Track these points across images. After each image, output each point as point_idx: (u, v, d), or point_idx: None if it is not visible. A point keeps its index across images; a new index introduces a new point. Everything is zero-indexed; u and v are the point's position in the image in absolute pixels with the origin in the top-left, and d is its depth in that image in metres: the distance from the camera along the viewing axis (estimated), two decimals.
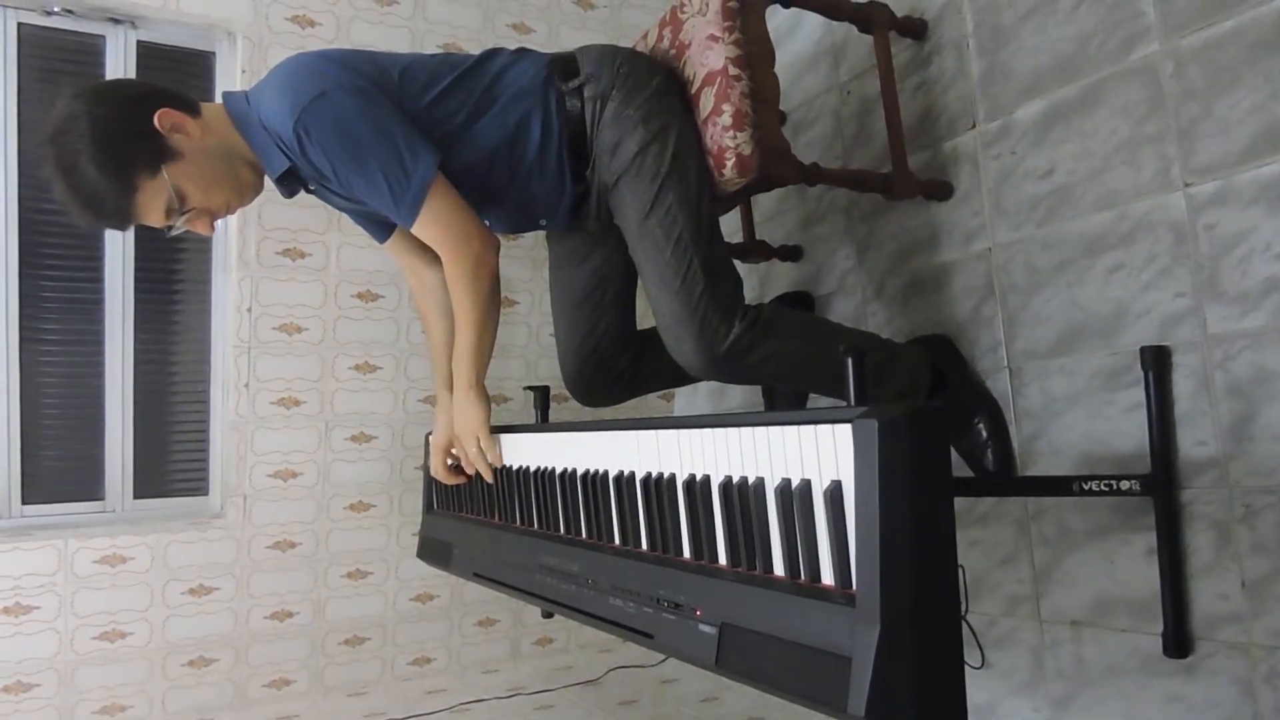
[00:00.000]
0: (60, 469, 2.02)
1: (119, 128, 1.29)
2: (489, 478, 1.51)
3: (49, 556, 1.89)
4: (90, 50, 2.05)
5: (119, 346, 2.05)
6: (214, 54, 2.16)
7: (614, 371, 1.72)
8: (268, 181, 1.49)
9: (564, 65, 1.50)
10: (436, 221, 1.39)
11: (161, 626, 1.98)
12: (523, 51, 1.53)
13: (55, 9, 1.99)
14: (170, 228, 1.40)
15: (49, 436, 2.00)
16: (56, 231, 2.00)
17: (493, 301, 1.47)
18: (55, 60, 2.03)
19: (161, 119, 1.32)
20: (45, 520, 1.97)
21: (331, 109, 1.31)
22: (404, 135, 1.36)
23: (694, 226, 1.43)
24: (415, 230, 1.40)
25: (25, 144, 1.98)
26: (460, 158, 1.43)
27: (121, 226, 1.40)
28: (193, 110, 1.38)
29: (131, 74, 2.06)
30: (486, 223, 1.53)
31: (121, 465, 2.05)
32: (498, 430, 1.57)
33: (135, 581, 1.96)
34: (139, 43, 2.08)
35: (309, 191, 1.52)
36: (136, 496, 2.07)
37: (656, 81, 1.50)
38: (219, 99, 1.47)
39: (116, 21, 2.05)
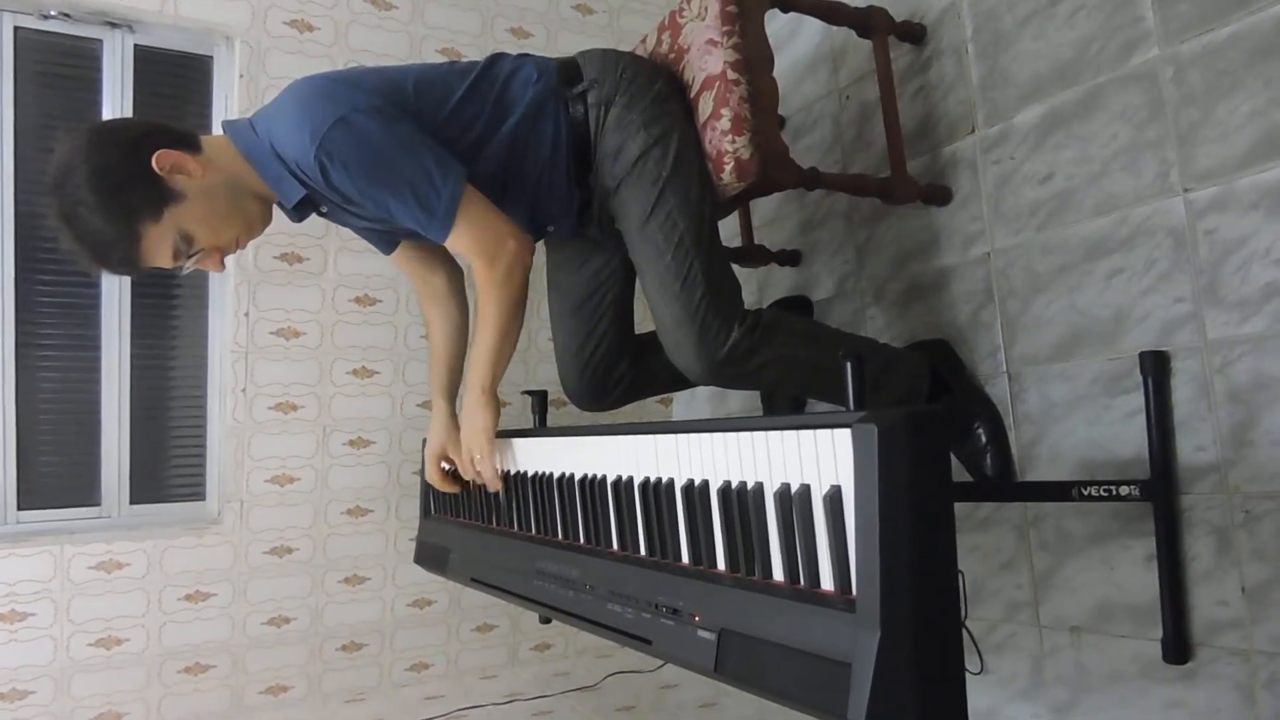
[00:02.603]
0: (56, 474, 2.01)
1: (117, 175, 1.25)
2: (492, 487, 1.47)
3: (45, 562, 1.89)
4: (87, 54, 2.05)
5: (116, 351, 2.04)
6: (211, 58, 2.16)
7: (613, 377, 1.72)
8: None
9: (568, 71, 1.50)
10: (470, 230, 1.35)
11: (158, 633, 1.98)
12: (525, 57, 1.52)
13: (52, 13, 1.99)
14: (181, 269, 1.37)
15: (45, 441, 2.00)
16: (53, 236, 1.99)
17: (520, 305, 1.43)
18: (52, 64, 2.03)
19: (160, 161, 1.27)
20: (41, 526, 1.96)
21: (352, 133, 1.28)
22: (429, 150, 1.33)
23: (695, 231, 1.43)
24: (449, 243, 1.37)
25: (22, 148, 1.98)
26: (478, 170, 1.41)
27: (132, 273, 1.36)
28: (192, 146, 1.33)
29: (129, 78, 2.06)
30: None
31: (118, 471, 2.04)
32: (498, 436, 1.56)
33: (132, 587, 1.96)
34: (136, 47, 2.08)
35: (321, 214, 1.49)
36: (133, 502, 2.06)
37: (659, 86, 1.50)
38: (217, 127, 1.44)
39: (114, 25, 2.05)
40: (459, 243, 1.36)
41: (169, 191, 1.29)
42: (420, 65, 1.49)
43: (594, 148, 1.48)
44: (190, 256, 1.34)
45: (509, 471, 1.47)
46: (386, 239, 1.66)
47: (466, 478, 1.52)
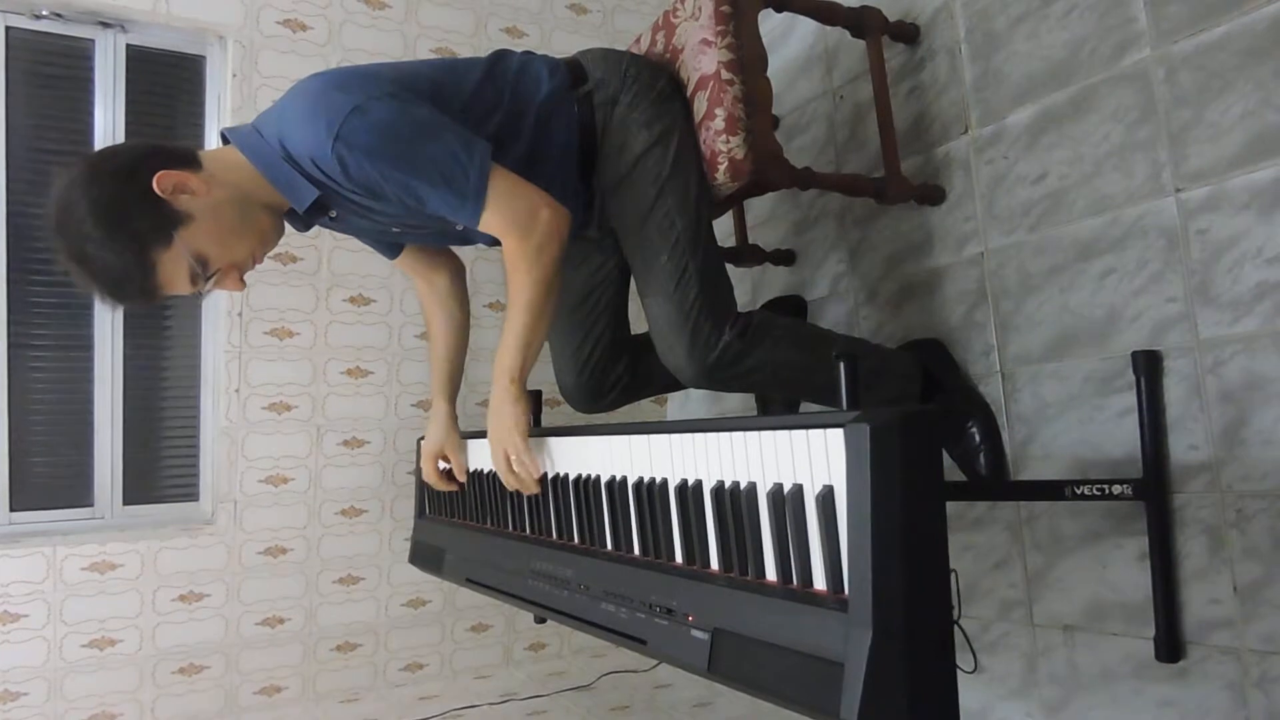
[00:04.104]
0: (49, 475, 2.00)
1: (118, 204, 1.19)
2: (529, 490, 1.34)
3: (38, 564, 1.88)
4: (79, 54, 2.05)
5: (109, 351, 2.04)
6: (204, 58, 2.16)
7: (610, 378, 1.71)
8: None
9: (573, 71, 1.49)
10: (500, 206, 1.28)
11: (151, 633, 1.97)
12: (530, 54, 1.50)
13: (44, 12, 1.99)
14: (201, 294, 1.30)
15: (38, 442, 1.99)
16: (46, 236, 1.98)
17: (555, 282, 1.33)
18: (44, 64, 2.02)
19: (161, 183, 1.20)
20: (34, 527, 1.96)
21: (370, 119, 1.22)
22: (451, 130, 1.27)
23: (692, 231, 1.43)
24: (483, 225, 1.29)
25: (14, 148, 1.97)
26: (500, 163, 1.34)
27: (151, 304, 1.29)
28: (192, 163, 1.26)
29: (121, 78, 2.06)
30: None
31: (111, 471, 2.04)
32: (483, 436, 1.55)
33: (125, 588, 1.95)
34: (128, 46, 2.08)
35: (329, 222, 1.42)
36: (126, 503, 2.05)
37: (661, 84, 1.50)
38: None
39: (106, 25, 2.05)
40: (491, 221, 1.29)
41: (175, 214, 1.22)
42: (427, 60, 1.46)
43: (598, 146, 1.48)
44: (208, 279, 1.28)
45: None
46: (389, 245, 1.64)
47: (511, 486, 1.36)
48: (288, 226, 1.42)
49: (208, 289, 1.30)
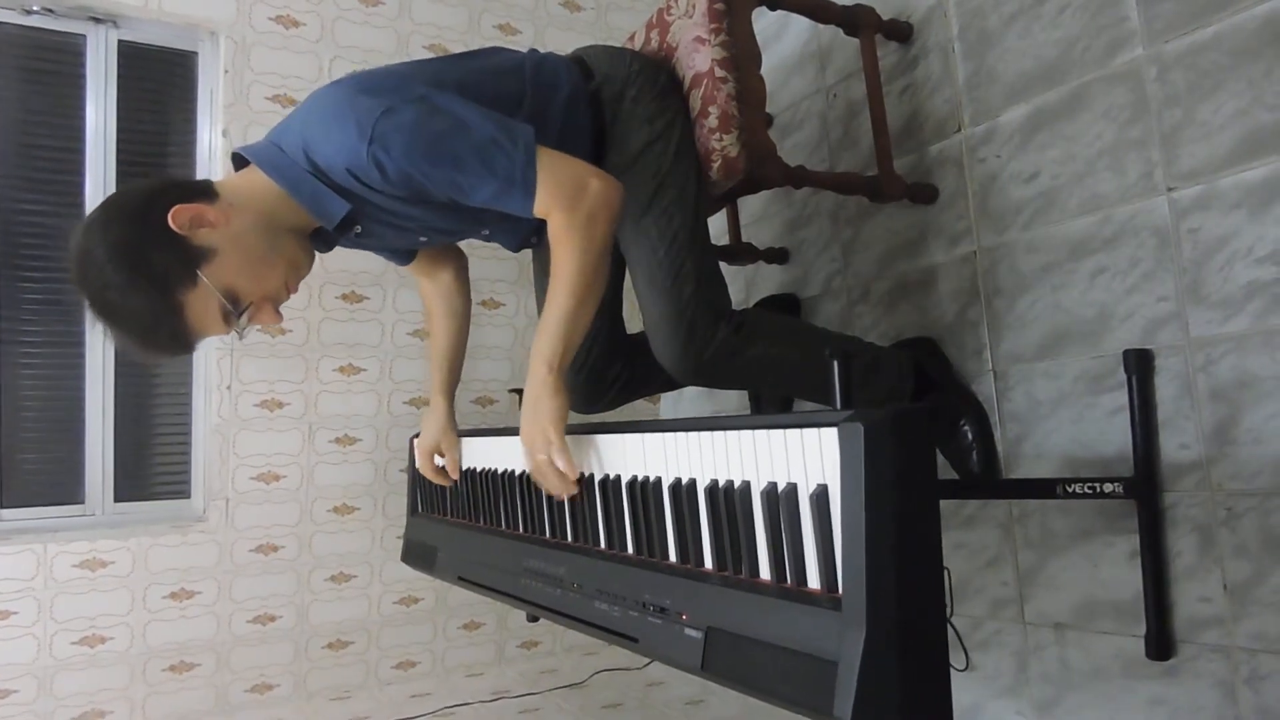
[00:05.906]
0: (40, 472, 1.99)
1: (136, 246, 1.13)
2: (563, 494, 1.21)
3: (28, 561, 1.87)
4: (71, 50, 2.04)
5: (100, 348, 2.03)
6: (196, 54, 2.15)
7: (608, 378, 1.70)
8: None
9: (581, 68, 1.47)
10: (547, 183, 1.21)
11: (142, 631, 1.96)
12: (537, 52, 1.48)
13: (35, 8, 1.97)
14: (239, 334, 1.24)
15: (28, 439, 1.98)
16: (36, 231, 1.98)
17: (604, 260, 1.23)
18: (35, 60, 2.01)
19: (176, 218, 1.14)
20: (24, 524, 1.95)
21: (405, 117, 1.16)
22: (487, 118, 1.22)
23: (690, 227, 1.43)
24: (536, 208, 1.22)
25: (4, 144, 1.96)
26: None
27: (186, 350, 1.23)
28: (207, 194, 1.20)
29: (113, 74, 2.05)
30: (523, 238, 1.50)
31: (102, 468, 2.03)
32: (477, 434, 1.55)
33: (116, 586, 1.94)
34: (120, 42, 2.07)
35: (353, 239, 1.37)
36: (117, 500, 2.04)
37: (664, 79, 1.50)
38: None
39: (97, 21, 2.04)
40: (541, 204, 1.22)
41: (196, 250, 1.16)
42: (439, 57, 1.42)
43: (605, 142, 1.46)
44: (241, 314, 1.22)
45: (497, 470, 1.46)
46: (403, 253, 1.61)
47: (549, 488, 1.23)
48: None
49: (243, 327, 1.24)
